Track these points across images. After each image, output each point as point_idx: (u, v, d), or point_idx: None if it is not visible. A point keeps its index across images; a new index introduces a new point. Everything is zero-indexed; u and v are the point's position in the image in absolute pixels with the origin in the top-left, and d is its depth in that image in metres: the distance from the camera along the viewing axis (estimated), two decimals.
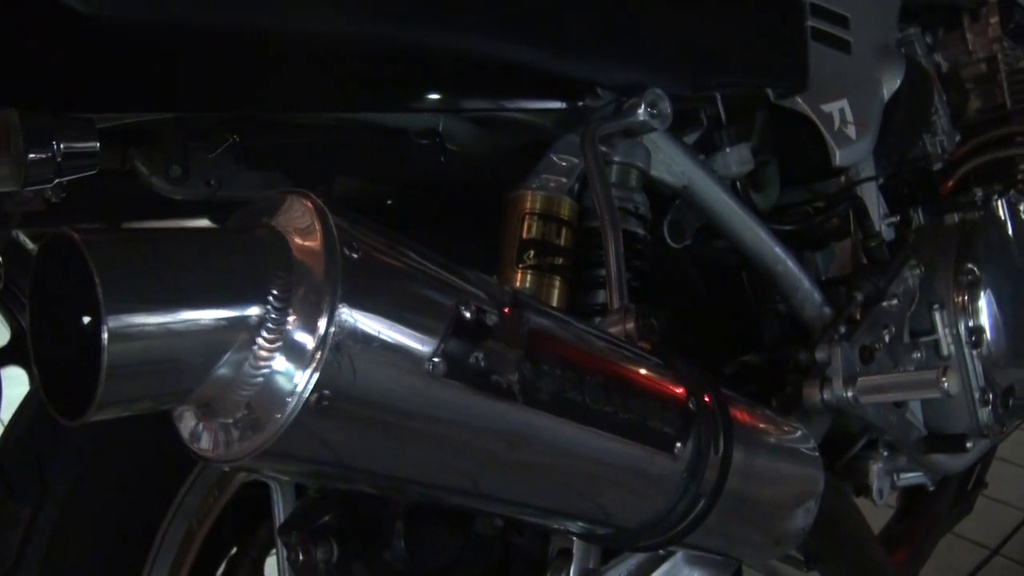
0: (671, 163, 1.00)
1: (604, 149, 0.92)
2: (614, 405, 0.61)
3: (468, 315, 0.52)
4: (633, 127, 0.91)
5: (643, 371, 0.67)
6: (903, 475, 1.35)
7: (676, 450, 0.67)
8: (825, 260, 1.23)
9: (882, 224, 1.24)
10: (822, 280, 1.20)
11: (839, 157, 1.15)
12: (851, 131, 1.17)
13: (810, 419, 1.06)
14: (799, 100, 1.15)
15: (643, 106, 0.90)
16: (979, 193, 1.30)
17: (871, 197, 1.23)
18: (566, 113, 0.93)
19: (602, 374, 0.61)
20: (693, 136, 1.11)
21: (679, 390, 0.69)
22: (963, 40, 1.47)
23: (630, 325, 0.75)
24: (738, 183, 1.11)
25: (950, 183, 1.42)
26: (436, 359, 0.50)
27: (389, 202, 1.12)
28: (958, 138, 1.43)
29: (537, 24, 0.85)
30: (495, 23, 0.80)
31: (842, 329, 1.08)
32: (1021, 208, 1.36)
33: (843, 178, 1.24)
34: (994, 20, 1.45)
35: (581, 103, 0.91)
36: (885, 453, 1.26)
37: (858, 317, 1.12)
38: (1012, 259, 1.33)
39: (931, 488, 1.40)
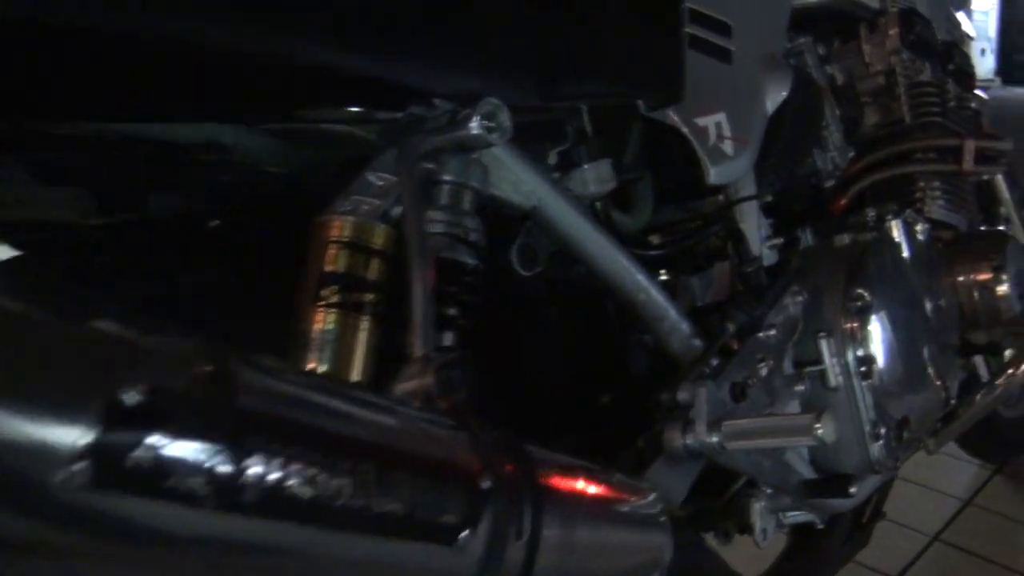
0: (518, 181, 0.89)
1: (431, 166, 0.80)
2: (367, 496, 0.49)
3: (131, 397, 0.40)
4: (465, 141, 0.79)
5: (423, 443, 0.56)
6: (789, 514, 1.26)
7: (460, 541, 0.55)
8: (702, 286, 1.14)
9: (763, 246, 1.15)
10: (696, 308, 1.10)
11: (713, 175, 1.05)
12: (728, 147, 1.07)
13: (675, 465, 0.97)
14: (671, 113, 1.05)
15: (477, 118, 0.78)
16: (872, 213, 1.21)
17: (751, 217, 1.14)
18: (393, 124, 0.81)
19: (352, 454, 0.50)
20: (557, 151, 1.01)
21: (472, 463, 0.58)
22: (860, 51, 1.39)
23: (428, 379, 0.63)
24: (599, 203, 1.00)
25: (843, 201, 1.34)
26: (77, 466, 0.38)
27: (214, 223, 0.98)
28: (852, 154, 1.35)
29: (345, 17, 0.72)
30: (283, 12, 0.67)
31: (713, 363, 0.99)
32: (918, 229, 1.29)
33: (722, 197, 1.15)
34: (893, 31, 1.37)
35: (405, 113, 0.79)
36: (768, 491, 1.17)
37: (733, 348, 1.03)
38: (907, 283, 1.25)
39: (820, 526, 1.31)
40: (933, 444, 1.29)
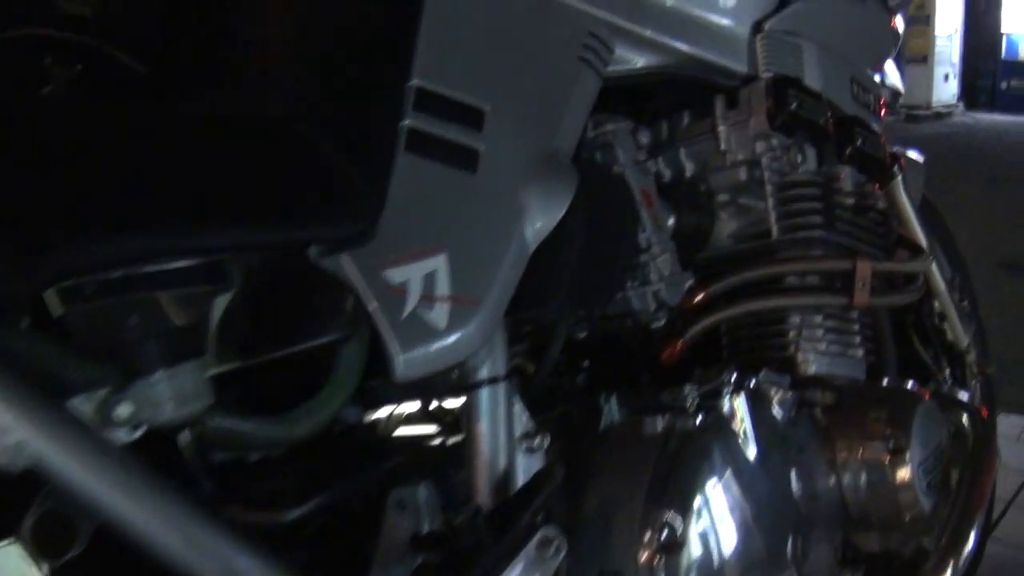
0: None
1: None
2: None
3: None
4: None
5: None
6: None
7: None
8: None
9: (517, 450, 0.75)
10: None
11: (402, 365, 0.64)
12: (439, 314, 0.66)
13: None
14: (348, 261, 0.64)
15: None
16: (691, 392, 0.81)
17: (496, 410, 0.73)
18: None
19: None
20: None
21: None
22: (713, 134, 0.99)
23: None
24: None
25: (676, 349, 0.94)
26: None
27: None
28: (691, 282, 0.95)
29: None
30: None
31: None
32: (777, 399, 0.88)
33: (456, 374, 0.74)
34: (760, 108, 0.97)
35: None
36: None
37: None
38: (752, 485, 0.84)
39: None
40: None
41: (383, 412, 0.90)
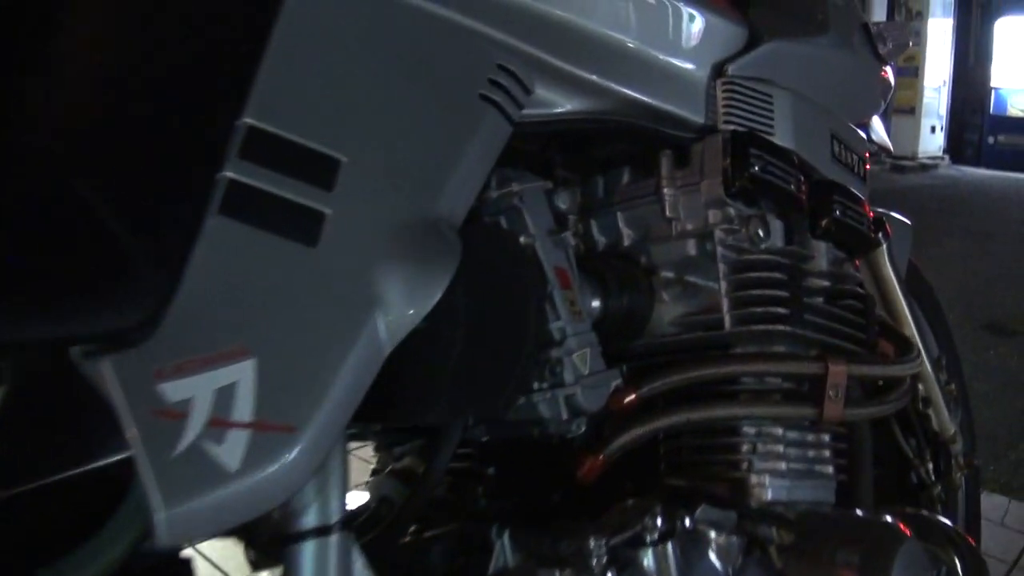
0: None
1: None
2: None
3: None
4: None
5: None
6: None
7: None
8: None
9: None
10: None
11: (163, 527, 0.45)
12: (234, 446, 0.47)
13: None
14: (108, 366, 0.45)
15: None
16: (598, 546, 0.62)
17: (324, 571, 0.54)
18: None
19: None
20: None
21: None
22: (655, 198, 0.81)
23: None
24: None
25: (596, 464, 0.74)
26: None
27: None
28: (619, 381, 0.76)
29: None
30: None
31: None
32: (716, 547, 0.69)
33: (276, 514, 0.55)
34: (715, 168, 0.79)
35: None
36: None
37: None
38: None
39: None
40: None
41: None
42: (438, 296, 0.55)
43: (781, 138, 0.85)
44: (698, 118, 0.82)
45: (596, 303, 0.77)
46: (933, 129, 11.18)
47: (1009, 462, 2.91)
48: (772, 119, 0.86)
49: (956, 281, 4.95)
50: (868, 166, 1.12)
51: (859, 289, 0.91)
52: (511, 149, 0.66)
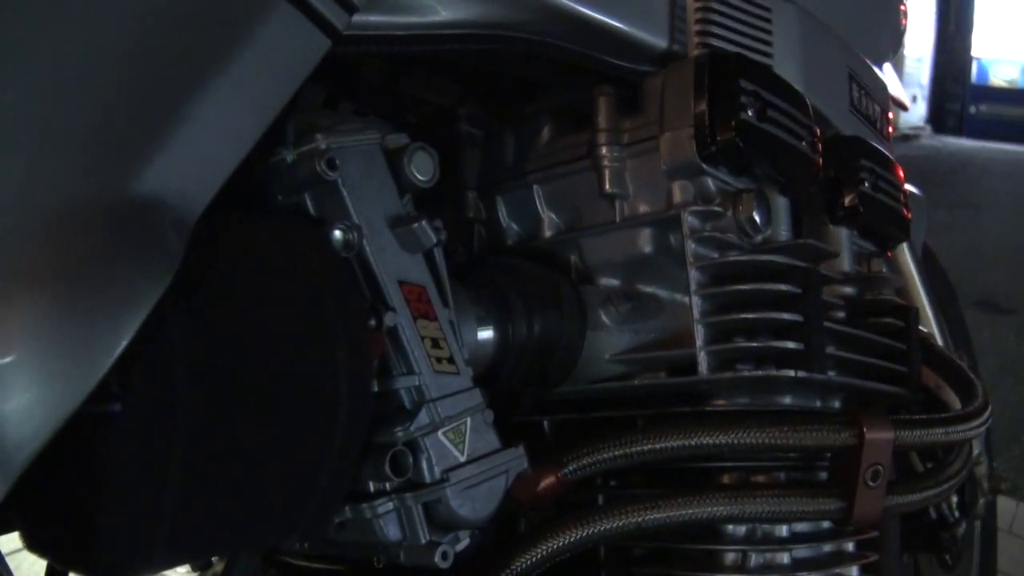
0: None
1: None
2: None
3: None
4: None
5: None
6: None
7: None
8: None
9: None
10: None
11: None
12: None
13: None
14: None
15: None
16: None
17: None
18: None
19: None
20: None
21: None
22: (589, 164, 0.50)
23: None
24: None
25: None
26: None
27: None
28: (522, 467, 0.45)
29: None
30: None
31: None
32: None
33: None
34: (682, 115, 0.49)
35: None
36: None
37: None
38: None
39: None
40: None
41: None
42: (107, 366, 0.25)
43: (784, 69, 0.55)
44: (659, 40, 0.52)
45: (486, 335, 0.47)
46: (915, 99, 10.99)
47: (1012, 457, 2.66)
48: (770, 42, 0.56)
49: (942, 257, 4.70)
50: (892, 127, 0.84)
51: (896, 299, 0.61)
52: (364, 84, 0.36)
